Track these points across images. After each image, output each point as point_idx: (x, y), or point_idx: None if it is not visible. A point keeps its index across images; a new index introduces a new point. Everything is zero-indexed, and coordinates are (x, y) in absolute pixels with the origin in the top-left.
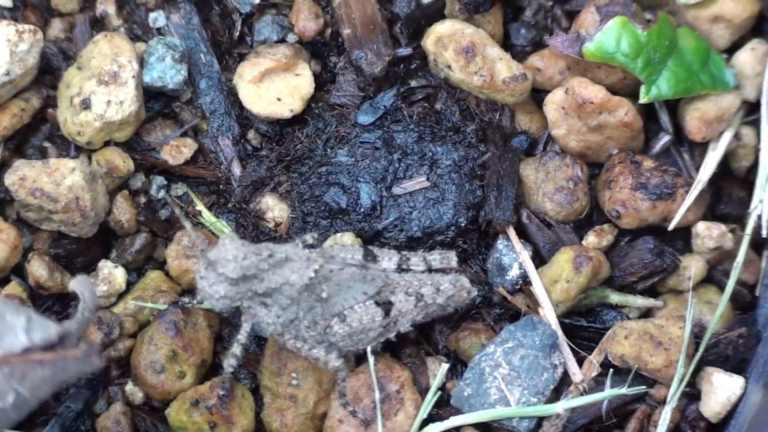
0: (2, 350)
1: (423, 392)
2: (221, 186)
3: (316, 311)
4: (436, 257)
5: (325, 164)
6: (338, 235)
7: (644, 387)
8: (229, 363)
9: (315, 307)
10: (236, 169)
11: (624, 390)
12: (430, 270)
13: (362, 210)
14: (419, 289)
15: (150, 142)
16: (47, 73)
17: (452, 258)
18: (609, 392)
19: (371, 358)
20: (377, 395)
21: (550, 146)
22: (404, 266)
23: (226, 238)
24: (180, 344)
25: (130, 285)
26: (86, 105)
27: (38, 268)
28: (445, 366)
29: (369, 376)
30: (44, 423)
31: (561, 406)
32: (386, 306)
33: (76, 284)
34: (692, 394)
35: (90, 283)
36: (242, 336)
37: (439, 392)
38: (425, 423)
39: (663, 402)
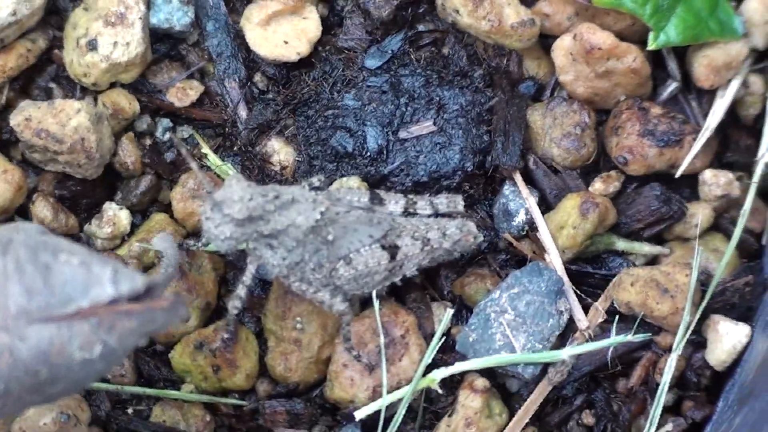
0: (90, 301)
1: (428, 337)
2: (227, 129)
3: (321, 254)
4: (442, 201)
5: (331, 108)
6: (344, 179)
7: (650, 334)
8: (233, 305)
9: (321, 250)
10: (242, 112)
11: (630, 337)
12: (437, 214)
13: (368, 154)
14: (425, 233)
15: (156, 84)
16: (54, 13)
17: (459, 202)
18: (614, 339)
19: (376, 303)
20: (382, 340)
21: (558, 92)
22: (411, 210)
23: (233, 179)
24: (184, 287)
25: (134, 227)
26: (92, 46)
27: (43, 209)
28: (450, 311)
29: (374, 320)
30: None
31: (566, 353)
32: (392, 250)
33: (159, 241)
34: (698, 342)
35: (173, 240)
36: (247, 278)
37: (444, 337)
38: (430, 368)
39: (668, 350)
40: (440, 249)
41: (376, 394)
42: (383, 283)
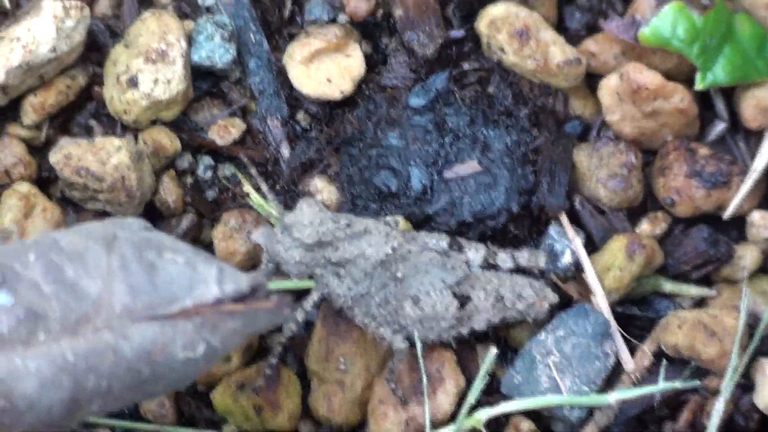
0: (194, 301)
1: (473, 379)
2: (269, 167)
3: (389, 289)
4: (524, 255)
5: (375, 146)
6: (388, 218)
7: (697, 381)
8: (288, 327)
9: (388, 285)
10: (285, 151)
11: (677, 384)
12: (517, 269)
13: (413, 194)
14: (500, 289)
15: (198, 122)
16: (94, 50)
17: (541, 257)
18: (662, 386)
19: (418, 340)
20: (424, 376)
21: (604, 132)
22: (491, 260)
23: (304, 202)
24: None
25: None
26: (133, 83)
27: None
28: (494, 350)
29: (410, 358)
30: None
31: (613, 398)
32: (463, 299)
33: (260, 236)
34: (746, 385)
35: (273, 234)
36: (308, 303)
37: (489, 378)
38: (475, 409)
39: (716, 393)
40: (512, 309)
41: (408, 428)
42: (450, 331)
